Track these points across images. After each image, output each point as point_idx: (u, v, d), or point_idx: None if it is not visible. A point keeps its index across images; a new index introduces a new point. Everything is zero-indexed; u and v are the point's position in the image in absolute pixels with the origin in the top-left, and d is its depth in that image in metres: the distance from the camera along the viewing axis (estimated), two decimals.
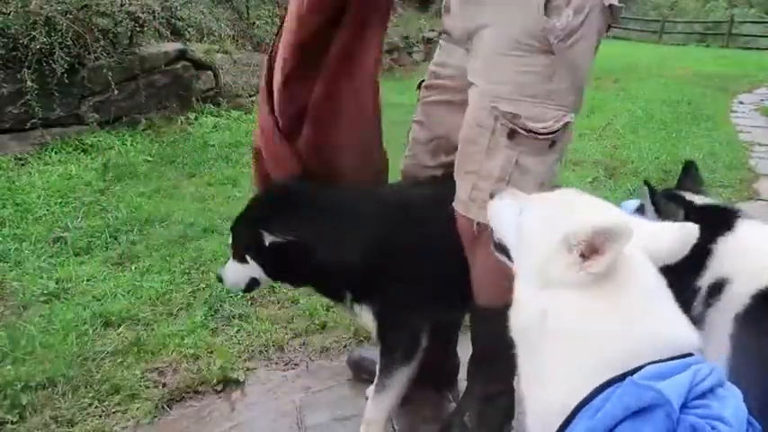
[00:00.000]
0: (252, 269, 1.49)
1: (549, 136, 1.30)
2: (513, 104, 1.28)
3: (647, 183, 1.47)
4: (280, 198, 1.50)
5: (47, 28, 3.76)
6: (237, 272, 1.52)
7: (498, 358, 1.51)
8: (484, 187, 1.31)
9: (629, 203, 3.16)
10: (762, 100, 8.03)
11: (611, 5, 1.30)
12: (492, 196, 1.15)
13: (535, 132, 1.29)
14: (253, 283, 1.54)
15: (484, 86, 1.32)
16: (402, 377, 1.50)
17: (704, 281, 1.25)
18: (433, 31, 9.81)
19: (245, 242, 1.48)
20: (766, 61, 13.27)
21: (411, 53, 9.36)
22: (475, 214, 1.35)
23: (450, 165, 1.46)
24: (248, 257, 1.47)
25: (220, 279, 1.59)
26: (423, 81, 1.64)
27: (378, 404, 1.52)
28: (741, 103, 7.74)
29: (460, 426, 1.57)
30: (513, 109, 1.28)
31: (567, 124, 1.32)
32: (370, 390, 1.62)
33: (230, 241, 1.56)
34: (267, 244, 1.42)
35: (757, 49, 18.20)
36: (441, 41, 1.58)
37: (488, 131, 1.32)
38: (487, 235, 1.28)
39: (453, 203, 1.41)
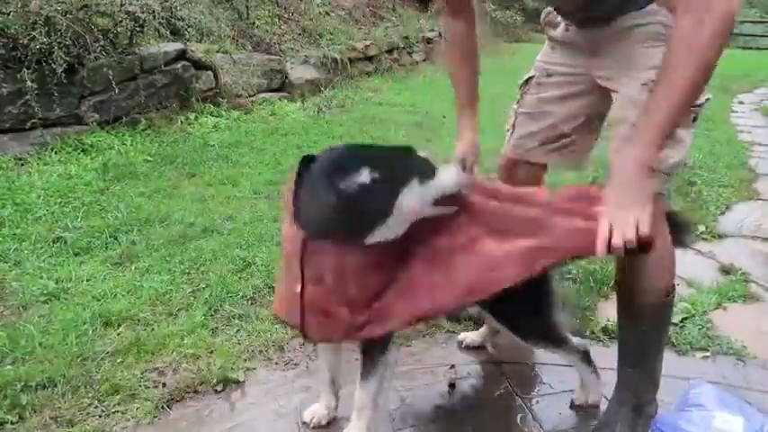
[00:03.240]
0: None
1: (696, 109, 1.41)
2: None
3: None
4: None
5: (46, 28, 3.76)
6: None
7: (651, 361, 1.58)
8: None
9: None
10: (762, 100, 8.03)
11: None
12: None
13: None
14: None
15: (633, 75, 1.42)
16: (383, 364, 1.54)
17: None
18: (432, 30, 9.81)
19: None
20: (766, 61, 13.27)
21: (411, 53, 9.36)
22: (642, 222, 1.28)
23: (551, 151, 1.72)
24: None
25: None
26: (531, 77, 1.78)
27: (366, 390, 1.54)
28: (741, 103, 7.74)
29: None
30: None
31: (706, 100, 1.45)
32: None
33: None
34: None
35: (757, 49, 18.19)
36: (551, 44, 1.72)
37: (643, 105, 1.31)
38: (656, 206, 1.27)
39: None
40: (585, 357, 1.75)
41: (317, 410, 1.69)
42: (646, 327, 1.55)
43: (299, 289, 1.41)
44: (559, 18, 1.65)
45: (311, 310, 1.42)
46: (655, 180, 1.28)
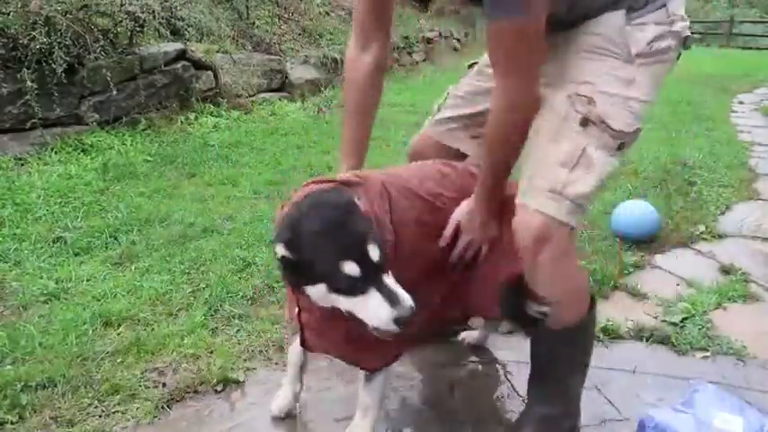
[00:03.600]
0: None
1: (621, 135, 1.31)
2: (592, 94, 1.31)
3: None
4: None
5: (46, 28, 3.76)
6: None
7: (562, 378, 1.56)
8: (547, 174, 1.31)
9: (629, 203, 3.19)
10: (762, 100, 8.03)
11: (686, 37, 1.37)
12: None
13: (608, 126, 1.29)
14: None
15: (562, 85, 1.35)
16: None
17: None
18: (432, 30, 9.81)
19: None
20: (766, 61, 13.28)
21: (411, 53, 9.36)
22: (539, 205, 1.31)
23: (476, 137, 1.65)
24: None
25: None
26: (475, 63, 1.74)
27: (371, 391, 1.53)
28: (741, 103, 7.74)
29: None
30: (590, 95, 1.30)
31: (638, 131, 1.34)
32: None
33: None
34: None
35: (757, 49, 18.22)
36: None
37: (560, 116, 1.33)
38: (559, 237, 1.31)
39: (520, 200, 1.36)
40: None
41: (283, 398, 1.71)
42: (545, 347, 1.54)
43: (296, 311, 1.47)
44: None
45: (308, 328, 1.48)
46: (495, 225, 1.47)
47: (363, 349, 1.42)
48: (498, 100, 1.33)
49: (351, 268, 1.19)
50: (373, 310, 1.20)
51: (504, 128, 1.34)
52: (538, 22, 1.21)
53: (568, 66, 1.35)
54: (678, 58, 1.42)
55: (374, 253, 1.21)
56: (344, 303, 1.23)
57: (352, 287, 1.20)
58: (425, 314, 1.41)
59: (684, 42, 1.38)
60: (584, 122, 1.30)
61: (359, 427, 1.56)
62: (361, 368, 1.51)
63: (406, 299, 1.20)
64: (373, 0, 1.55)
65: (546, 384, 1.57)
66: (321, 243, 1.22)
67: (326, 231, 1.22)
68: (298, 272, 1.26)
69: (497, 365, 1.99)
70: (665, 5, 1.33)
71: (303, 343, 1.54)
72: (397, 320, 1.18)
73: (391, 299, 1.19)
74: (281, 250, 1.23)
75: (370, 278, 1.20)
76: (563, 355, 1.53)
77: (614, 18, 1.31)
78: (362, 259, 1.20)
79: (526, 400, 1.66)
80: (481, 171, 1.45)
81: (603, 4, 1.33)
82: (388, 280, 1.23)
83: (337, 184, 1.39)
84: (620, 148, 1.32)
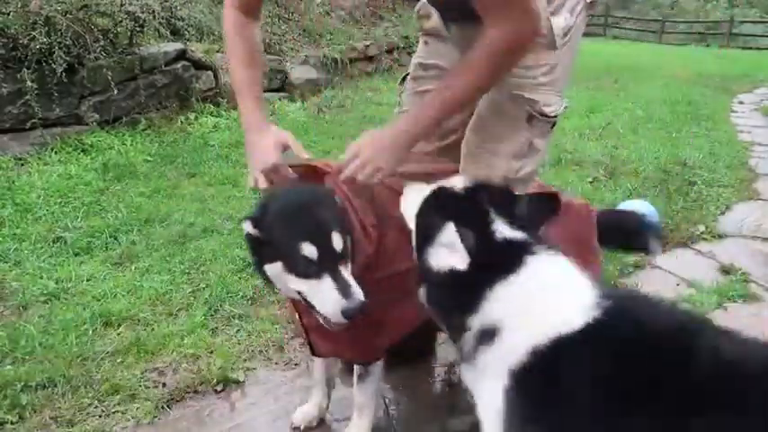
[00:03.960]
0: None
1: (553, 119, 1.48)
2: (532, 92, 1.43)
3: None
4: None
5: (46, 28, 3.76)
6: None
7: None
8: (501, 165, 1.46)
9: (629, 203, 3.18)
10: (762, 100, 8.03)
11: (591, 1, 1.48)
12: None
13: (546, 116, 1.45)
14: None
15: (504, 82, 1.42)
16: (378, 363, 1.56)
17: (476, 322, 1.06)
18: None
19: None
20: (766, 61, 13.27)
21: (411, 53, 9.31)
22: None
23: (443, 149, 1.63)
24: None
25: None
26: (407, 75, 1.76)
27: (364, 390, 1.56)
28: (741, 103, 7.74)
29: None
30: (533, 96, 1.43)
31: (565, 108, 1.50)
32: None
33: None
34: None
35: (757, 49, 18.21)
36: (425, 39, 1.70)
37: (509, 116, 1.45)
38: None
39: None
40: None
41: (307, 411, 1.69)
42: None
43: (297, 316, 1.52)
44: (433, 10, 1.60)
45: (312, 331, 1.51)
46: (391, 160, 1.35)
47: (361, 345, 1.47)
48: (497, 42, 1.26)
49: (309, 250, 1.21)
50: (324, 297, 1.22)
51: (498, 68, 1.31)
52: None
53: None
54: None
55: (337, 242, 1.23)
56: (298, 284, 1.25)
57: (307, 270, 1.23)
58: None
59: (591, 5, 1.49)
60: (530, 119, 1.45)
61: (357, 427, 1.58)
62: (357, 363, 1.56)
63: (358, 293, 1.21)
64: None
65: None
66: (285, 222, 1.25)
67: (293, 212, 1.26)
68: (260, 250, 1.29)
69: None
70: None
71: (311, 350, 1.57)
72: (345, 312, 1.20)
73: (344, 290, 1.21)
74: (247, 227, 1.27)
75: (326, 265, 1.22)
76: None
77: (541, 10, 1.38)
78: (323, 244, 1.22)
79: None
80: (433, 97, 1.35)
81: None
82: (345, 272, 1.24)
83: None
84: (552, 127, 1.51)
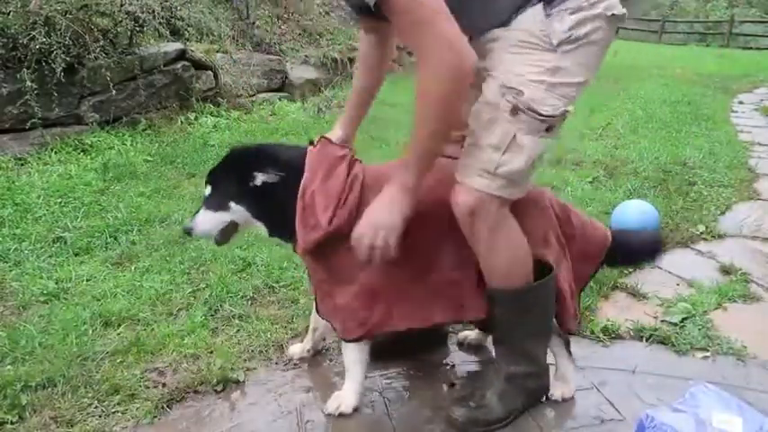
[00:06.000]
0: (232, 214, 1.65)
1: (548, 119, 1.43)
2: (520, 85, 1.41)
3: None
4: (259, 150, 1.71)
5: (46, 28, 3.76)
6: (213, 220, 1.67)
7: (520, 340, 1.66)
8: (481, 156, 1.45)
9: (629, 203, 3.19)
10: (762, 100, 8.03)
11: (613, 14, 1.44)
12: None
13: (535, 112, 1.42)
14: (231, 229, 1.69)
15: (495, 75, 1.45)
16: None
17: None
18: None
19: (232, 187, 1.64)
20: (766, 61, 13.28)
21: (411, 53, 9.34)
22: (472, 182, 1.46)
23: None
24: (232, 203, 1.64)
25: (188, 232, 1.70)
26: None
27: (346, 354, 1.71)
28: (741, 103, 7.75)
29: (479, 399, 1.69)
30: (518, 86, 1.41)
31: (565, 112, 1.46)
32: None
33: (207, 192, 1.69)
34: (258, 184, 1.61)
35: (757, 49, 18.21)
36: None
37: (492, 106, 1.44)
38: (490, 208, 1.45)
39: (456, 176, 1.49)
40: (567, 345, 1.79)
41: (296, 347, 2.00)
42: (499, 309, 1.62)
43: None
44: None
45: (318, 291, 1.70)
46: (408, 200, 1.42)
47: (343, 316, 1.61)
48: (426, 77, 1.32)
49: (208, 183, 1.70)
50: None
51: (441, 108, 1.34)
52: None
53: (499, 60, 1.45)
54: (617, 33, 1.53)
55: (206, 189, 1.69)
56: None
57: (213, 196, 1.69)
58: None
59: (617, 18, 1.45)
60: (514, 111, 1.42)
61: (344, 390, 1.71)
62: (339, 336, 1.67)
63: (191, 223, 1.69)
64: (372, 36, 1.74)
65: (505, 345, 1.70)
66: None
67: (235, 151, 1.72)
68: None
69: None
70: None
71: (316, 307, 1.73)
72: (184, 228, 1.72)
73: (193, 217, 1.70)
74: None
75: (214, 196, 1.67)
76: (516, 319, 1.62)
77: (534, 13, 1.41)
78: (217, 179, 1.68)
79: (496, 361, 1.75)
80: (410, 142, 1.41)
81: (521, 3, 1.43)
82: (212, 208, 1.67)
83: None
84: (549, 129, 1.46)
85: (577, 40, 1.41)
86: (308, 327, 1.99)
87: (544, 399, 1.77)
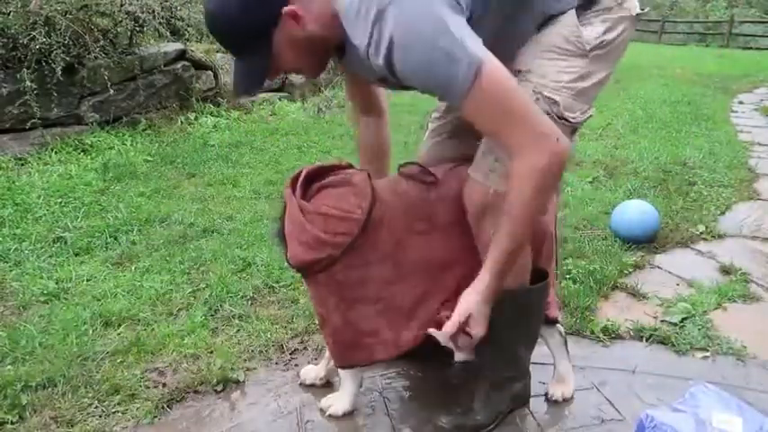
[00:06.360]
0: None
1: (576, 124, 1.46)
2: (555, 93, 1.42)
3: None
4: None
5: (46, 28, 3.76)
6: None
7: (510, 343, 1.64)
8: (504, 157, 1.40)
9: (629, 203, 3.19)
10: (762, 100, 8.03)
11: (637, 13, 1.48)
12: None
13: (566, 119, 1.42)
14: None
15: (529, 78, 1.44)
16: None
17: None
18: None
19: None
20: (766, 61, 13.28)
21: None
22: (492, 182, 1.44)
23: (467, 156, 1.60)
24: None
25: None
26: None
27: None
28: (741, 102, 7.74)
29: (465, 405, 1.67)
30: (554, 96, 1.41)
31: (589, 116, 1.49)
32: None
33: None
34: None
35: (757, 49, 18.22)
36: None
37: None
38: (501, 202, 1.40)
39: (469, 171, 1.49)
40: (565, 345, 1.79)
41: (310, 371, 1.87)
42: (493, 311, 1.54)
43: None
44: None
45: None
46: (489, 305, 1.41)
47: (339, 340, 1.60)
48: (520, 177, 1.27)
49: None
50: None
51: (533, 201, 1.29)
52: (492, 60, 1.22)
53: (533, 64, 1.45)
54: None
55: None
56: None
57: None
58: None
59: (638, 18, 1.49)
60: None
61: (339, 393, 1.71)
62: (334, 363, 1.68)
63: None
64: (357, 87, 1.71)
65: (494, 348, 1.64)
66: None
67: None
68: None
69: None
70: None
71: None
72: None
73: None
74: None
75: None
76: (506, 320, 1.57)
77: (568, 19, 1.42)
78: None
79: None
80: (495, 248, 1.37)
81: (560, 7, 1.43)
82: None
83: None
84: (573, 132, 1.48)
85: (608, 45, 1.43)
86: (324, 349, 1.89)
87: (528, 404, 1.75)
